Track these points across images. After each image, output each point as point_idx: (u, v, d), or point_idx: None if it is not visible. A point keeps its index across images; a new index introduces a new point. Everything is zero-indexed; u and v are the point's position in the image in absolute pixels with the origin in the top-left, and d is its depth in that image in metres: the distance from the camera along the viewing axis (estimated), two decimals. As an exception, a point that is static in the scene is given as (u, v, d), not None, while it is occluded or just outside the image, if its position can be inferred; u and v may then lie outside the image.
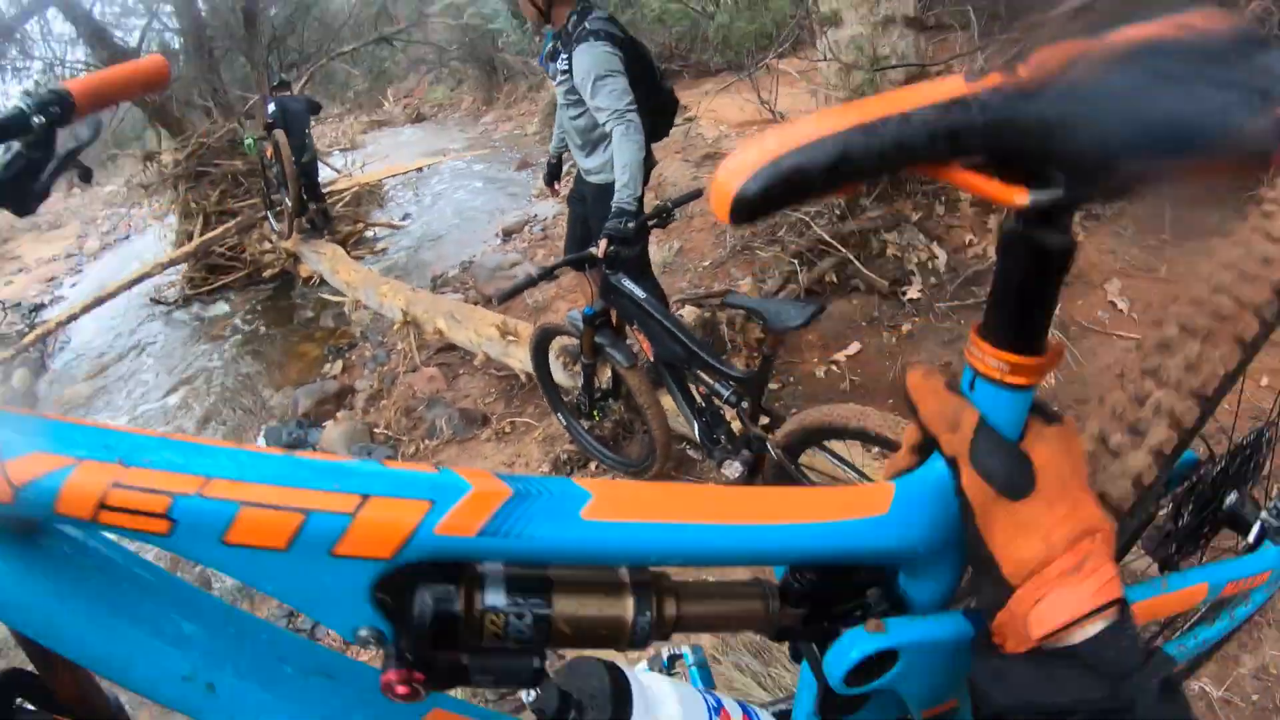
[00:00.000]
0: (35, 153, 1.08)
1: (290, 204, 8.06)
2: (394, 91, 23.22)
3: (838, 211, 5.03)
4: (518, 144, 13.60)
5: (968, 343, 0.66)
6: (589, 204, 3.90)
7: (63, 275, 15.22)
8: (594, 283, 3.36)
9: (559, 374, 4.16)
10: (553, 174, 4.45)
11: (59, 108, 1.10)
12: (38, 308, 12.85)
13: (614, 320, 3.33)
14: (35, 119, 1.06)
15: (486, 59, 18.72)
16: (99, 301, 8.92)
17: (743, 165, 0.51)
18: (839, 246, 4.84)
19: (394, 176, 11.35)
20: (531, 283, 3.18)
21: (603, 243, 3.15)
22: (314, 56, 13.66)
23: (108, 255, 15.93)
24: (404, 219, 10.31)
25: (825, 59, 5.13)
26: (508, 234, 8.71)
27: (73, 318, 9.08)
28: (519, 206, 9.64)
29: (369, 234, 9.79)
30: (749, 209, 0.51)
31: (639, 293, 3.12)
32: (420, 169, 11.59)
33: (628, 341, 3.36)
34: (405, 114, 21.63)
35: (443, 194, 11.41)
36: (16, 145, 1.06)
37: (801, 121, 0.51)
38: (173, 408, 7.09)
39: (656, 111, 3.71)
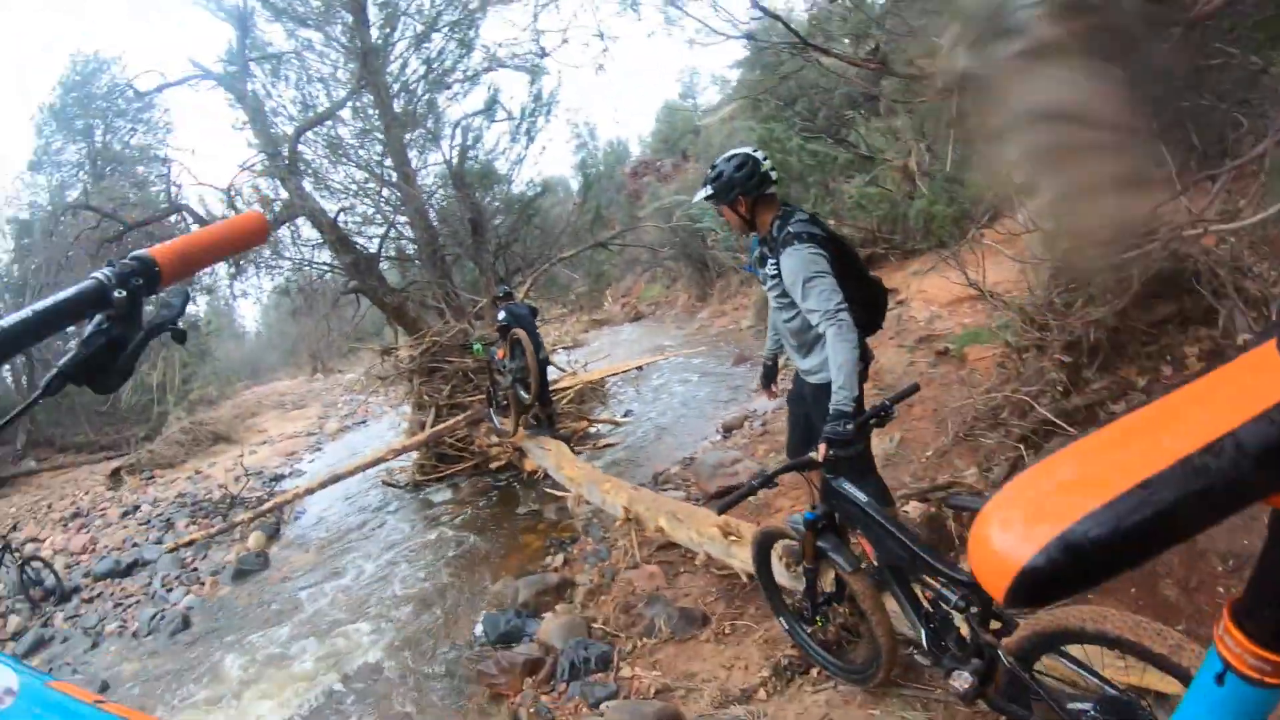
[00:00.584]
0: (118, 328, 0.98)
1: (528, 398, 8.41)
2: (613, 291, 24.45)
3: (1060, 388, 4.84)
4: (733, 339, 13.89)
5: (1219, 627, 0.56)
6: (809, 403, 3.90)
7: (303, 451, 16.70)
8: (815, 486, 3.32)
9: (781, 576, 4.09)
10: (769, 376, 4.49)
11: (143, 278, 1.03)
12: (278, 478, 14.22)
13: (836, 523, 3.27)
14: (117, 292, 0.98)
15: (698, 257, 19.56)
16: (335, 479, 9.58)
17: (1023, 536, 0.40)
18: (1066, 426, 4.63)
19: (615, 375, 11.75)
20: (751, 491, 3.19)
21: (822, 447, 3.14)
22: (536, 262, 14.55)
23: (346, 437, 17.25)
24: (625, 415, 10.58)
25: (1029, 229, 5.04)
26: (728, 430, 8.79)
27: (309, 491, 9.82)
28: (738, 401, 9.74)
29: (593, 430, 10.08)
30: (1036, 591, 0.41)
31: (860, 496, 3.06)
32: (640, 368, 11.96)
33: (851, 544, 3.29)
34: (624, 313, 22.56)
35: (663, 389, 11.75)
36: (99, 318, 0.98)
37: (1084, 454, 0.42)
38: (391, 586, 7.48)
39: (867, 304, 3.72)
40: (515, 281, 12.39)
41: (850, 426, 3.17)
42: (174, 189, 13.61)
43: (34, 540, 12.84)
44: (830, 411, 3.28)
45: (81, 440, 26.74)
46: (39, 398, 0.90)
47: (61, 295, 0.94)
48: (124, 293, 0.99)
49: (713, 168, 3.80)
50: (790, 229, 3.53)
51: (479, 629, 5.96)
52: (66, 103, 26.80)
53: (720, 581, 5.23)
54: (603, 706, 4.28)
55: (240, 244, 1.21)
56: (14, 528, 13.44)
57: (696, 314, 19.00)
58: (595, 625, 5.35)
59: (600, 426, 10.19)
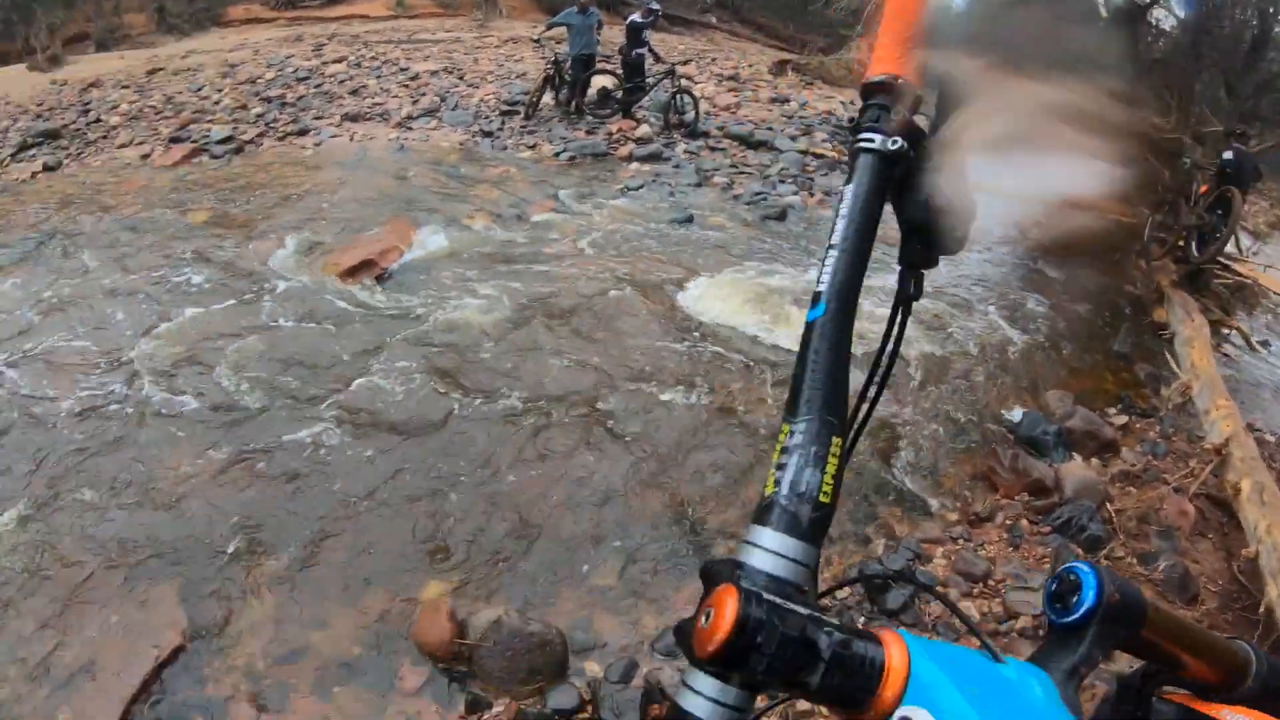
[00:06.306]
0: None
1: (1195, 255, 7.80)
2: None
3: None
4: None
5: None
6: None
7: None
8: None
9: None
10: None
11: None
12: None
13: None
14: None
15: None
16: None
17: None
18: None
19: (1280, 295, 9.98)
20: None
21: None
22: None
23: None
24: (1261, 343, 9.00)
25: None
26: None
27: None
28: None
29: (1229, 332, 8.72)
30: None
31: None
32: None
33: None
34: (1307, 241, 18.88)
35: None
36: None
37: None
38: (988, 316, 7.56)
39: None
40: (1255, 129, 10.42)
41: None
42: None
43: (690, 79, 13.91)
44: None
45: (765, 23, 28.23)
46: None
47: None
48: None
49: None
50: None
51: (1016, 415, 5.86)
52: None
53: (1231, 584, 4.50)
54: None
55: None
56: (685, 62, 14.57)
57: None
58: (1108, 506, 4.92)
59: (1236, 335, 8.75)
